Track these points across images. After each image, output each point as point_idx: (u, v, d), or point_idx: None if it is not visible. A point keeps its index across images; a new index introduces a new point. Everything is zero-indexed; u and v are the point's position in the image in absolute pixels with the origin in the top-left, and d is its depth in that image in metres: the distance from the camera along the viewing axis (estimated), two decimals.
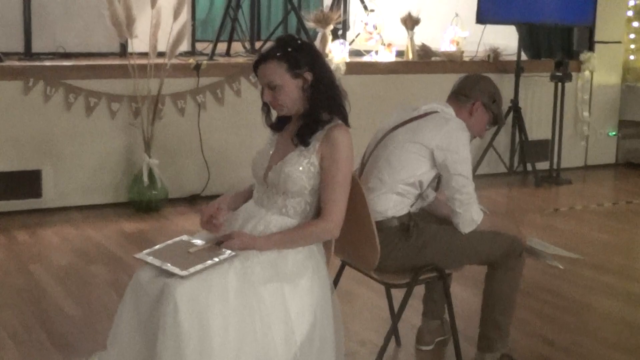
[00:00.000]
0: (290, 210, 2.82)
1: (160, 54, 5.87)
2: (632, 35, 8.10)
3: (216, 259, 2.64)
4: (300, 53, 2.80)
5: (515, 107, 7.20)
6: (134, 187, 5.97)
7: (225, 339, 2.55)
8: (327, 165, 2.78)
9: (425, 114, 3.36)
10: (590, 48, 7.79)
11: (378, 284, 3.39)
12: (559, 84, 7.32)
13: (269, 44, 3.00)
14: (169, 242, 2.84)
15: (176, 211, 6.02)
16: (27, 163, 5.82)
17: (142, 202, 5.94)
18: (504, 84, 7.04)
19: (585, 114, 7.82)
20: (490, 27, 7.25)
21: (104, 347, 2.80)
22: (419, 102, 3.48)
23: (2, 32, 6.26)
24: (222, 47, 6.91)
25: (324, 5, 8.54)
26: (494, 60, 7.42)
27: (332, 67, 5.98)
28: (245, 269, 2.66)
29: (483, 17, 7.01)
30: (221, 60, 6.61)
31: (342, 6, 7.67)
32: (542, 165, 7.43)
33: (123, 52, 6.42)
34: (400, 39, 7.46)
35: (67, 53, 6.40)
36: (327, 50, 6.68)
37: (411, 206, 3.31)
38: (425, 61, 7.27)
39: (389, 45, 7.23)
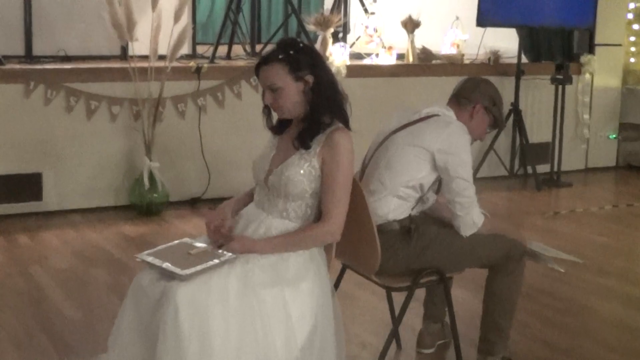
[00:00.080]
0: (291, 214, 2.83)
1: (161, 57, 5.87)
2: (632, 38, 8.11)
3: (216, 261, 2.64)
4: (302, 56, 2.81)
5: (515, 110, 7.20)
6: (134, 190, 5.98)
7: (225, 342, 2.55)
8: (328, 169, 2.78)
9: (426, 117, 3.37)
10: (591, 51, 7.79)
11: (379, 287, 3.39)
12: (560, 86, 7.32)
13: (269, 47, 3.01)
14: (171, 243, 2.85)
15: (177, 214, 6.02)
16: (28, 166, 5.82)
17: (143, 205, 5.95)
18: (505, 87, 7.04)
19: (586, 116, 7.82)
20: (490, 30, 7.25)
21: (104, 349, 2.80)
22: (420, 105, 3.48)
23: (3, 35, 6.26)
24: (222, 50, 6.92)
25: (325, 8, 8.56)
26: (494, 63, 7.42)
27: (333, 70, 5.99)
28: (246, 272, 2.66)
29: (483, 20, 7.01)
30: (222, 63, 6.62)
31: (342, 9, 7.69)
32: (543, 168, 7.43)
33: (124, 55, 6.42)
34: (400, 41, 7.46)
35: (67, 56, 6.40)
36: (327, 53, 6.69)
37: (412, 209, 3.31)
38: (425, 64, 7.27)
39: (390, 48, 7.23)
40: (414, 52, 7.32)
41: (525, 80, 7.32)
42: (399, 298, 3.45)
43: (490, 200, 6.50)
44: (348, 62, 6.81)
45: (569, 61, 7.42)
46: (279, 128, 2.98)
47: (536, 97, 7.61)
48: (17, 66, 5.91)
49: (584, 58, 7.70)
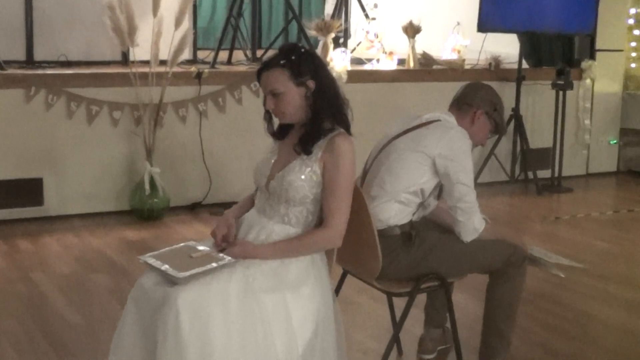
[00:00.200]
0: (292, 219, 2.82)
1: (162, 62, 5.88)
2: (633, 44, 8.12)
3: (215, 264, 2.64)
4: (303, 61, 2.80)
5: (516, 115, 7.20)
6: (135, 195, 5.98)
7: (227, 346, 2.55)
8: (330, 174, 2.78)
9: (427, 123, 3.37)
10: (592, 56, 7.80)
11: (380, 292, 3.40)
12: (560, 92, 7.33)
13: (270, 53, 3.01)
14: (176, 246, 2.86)
15: (178, 219, 6.02)
16: (29, 171, 5.83)
17: (144, 210, 5.95)
18: (505, 92, 7.04)
19: (587, 122, 7.82)
20: (491, 36, 7.25)
21: (106, 354, 2.80)
22: (421, 111, 3.48)
23: (4, 40, 6.27)
24: (223, 55, 6.93)
25: (325, 14, 8.57)
26: (495, 69, 7.43)
27: (334, 75, 5.99)
28: (247, 277, 2.66)
29: (484, 25, 7.02)
30: (223, 68, 6.62)
31: (343, 14, 7.70)
32: (544, 174, 7.43)
33: (125, 60, 6.43)
34: (401, 47, 7.47)
35: (69, 61, 6.41)
36: (328, 59, 6.69)
37: (413, 215, 3.31)
38: (426, 69, 7.28)
39: (391, 53, 7.24)
40: (414, 58, 7.33)
41: (526, 85, 7.33)
42: (400, 303, 3.45)
43: (491, 205, 6.51)
44: (349, 68, 6.81)
45: (570, 66, 7.42)
46: (280, 133, 2.98)
47: (537, 102, 7.62)
48: (18, 71, 5.91)
49: (585, 63, 7.71)
